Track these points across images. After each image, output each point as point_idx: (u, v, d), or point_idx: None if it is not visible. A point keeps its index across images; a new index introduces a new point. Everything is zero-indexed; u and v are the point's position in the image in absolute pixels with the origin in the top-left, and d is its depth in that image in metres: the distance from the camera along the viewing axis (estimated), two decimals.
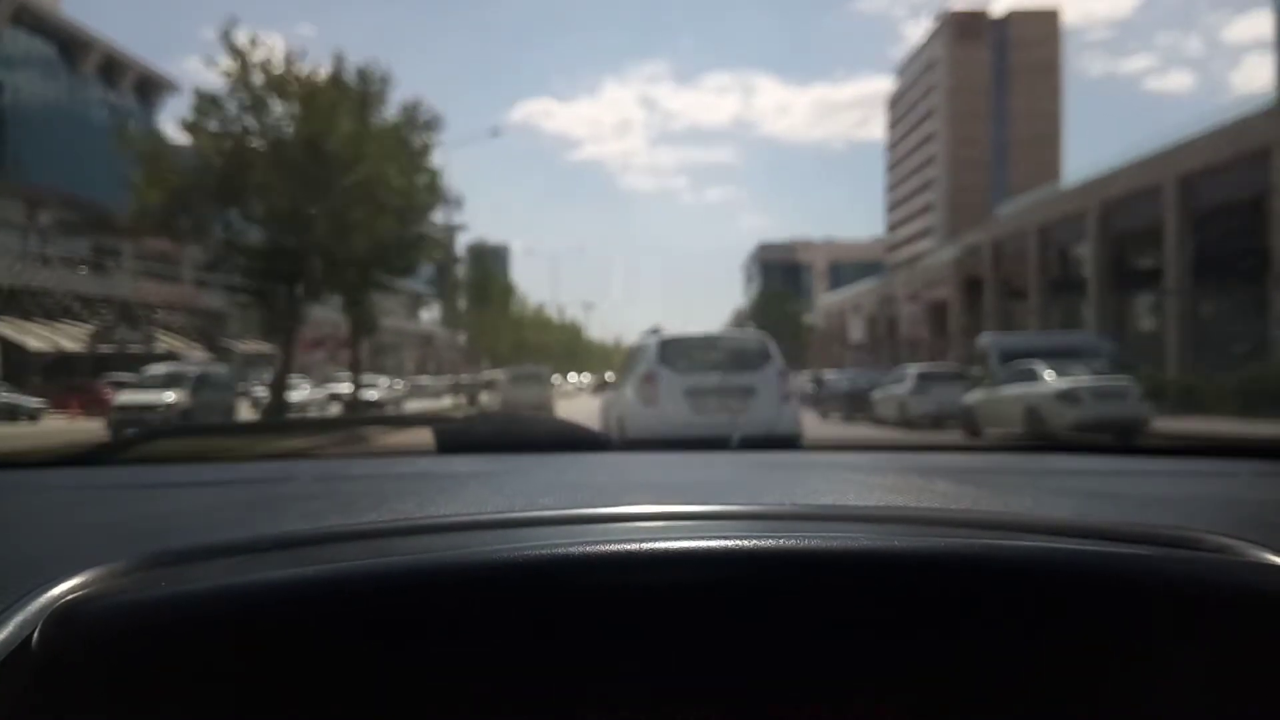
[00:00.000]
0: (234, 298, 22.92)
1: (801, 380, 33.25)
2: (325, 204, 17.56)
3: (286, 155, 17.63)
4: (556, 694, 0.51)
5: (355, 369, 25.68)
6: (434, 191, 21.40)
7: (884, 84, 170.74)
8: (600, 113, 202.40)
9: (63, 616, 0.51)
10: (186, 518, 0.94)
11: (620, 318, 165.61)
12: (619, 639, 0.52)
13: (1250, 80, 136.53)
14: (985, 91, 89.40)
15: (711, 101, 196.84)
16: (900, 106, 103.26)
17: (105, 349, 31.85)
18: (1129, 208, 29.51)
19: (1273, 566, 0.59)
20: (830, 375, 31.24)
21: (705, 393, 8.96)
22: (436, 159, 23.01)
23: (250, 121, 17.89)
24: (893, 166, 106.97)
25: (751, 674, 0.52)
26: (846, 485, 1.10)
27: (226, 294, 40.69)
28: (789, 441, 1.87)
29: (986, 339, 23.27)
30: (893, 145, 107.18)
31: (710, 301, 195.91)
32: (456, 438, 1.61)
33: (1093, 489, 1.10)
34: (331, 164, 17.44)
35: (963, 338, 41.32)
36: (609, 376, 25.20)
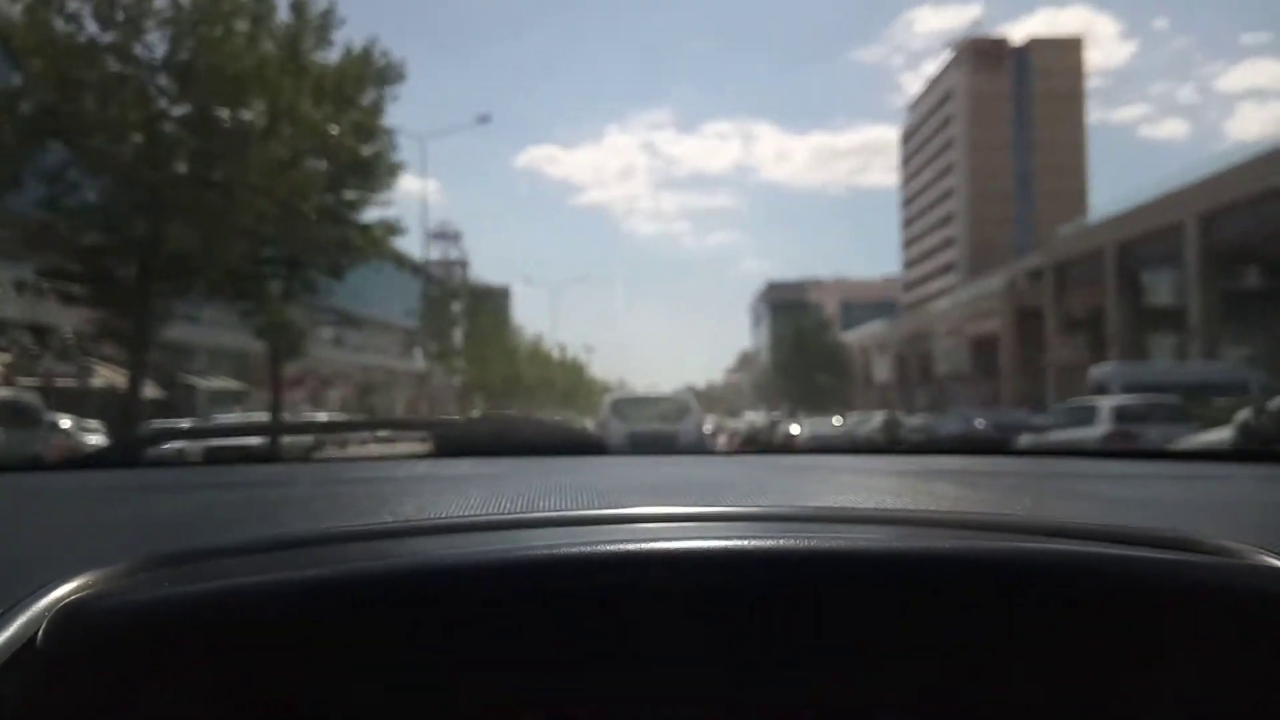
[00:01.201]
0: (57, 288, 15.64)
1: (849, 423, 27.98)
2: (200, 145, 11.61)
3: (145, 73, 11.85)
4: (557, 695, 0.51)
5: (275, 409, 18.63)
6: (381, 157, 14.89)
7: (883, 132, 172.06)
8: (604, 159, 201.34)
9: (67, 616, 0.51)
10: (188, 520, 0.95)
11: (624, 362, 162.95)
12: (620, 640, 0.52)
13: (1244, 128, 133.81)
14: (1006, 122, 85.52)
15: (713, 148, 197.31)
16: (915, 140, 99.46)
17: (26, 383, 27.02)
18: (1242, 215, 24.86)
19: (1271, 569, 0.59)
20: (912, 417, 26.35)
21: (642, 437, 11.95)
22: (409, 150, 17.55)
23: (94, 28, 12.00)
24: (907, 202, 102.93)
25: (753, 675, 0.52)
26: (847, 486, 1.11)
27: (189, 323, 36.50)
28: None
29: (1107, 370, 18.52)
30: (907, 181, 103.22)
31: (716, 343, 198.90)
32: (456, 441, 1.69)
33: (1092, 491, 1.11)
34: (212, 87, 11.60)
35: (1016, 374, 36.50)
36: None
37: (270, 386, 18.26)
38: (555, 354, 58.50)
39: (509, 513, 0.80)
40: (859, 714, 0.52)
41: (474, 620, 0.51)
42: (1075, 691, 0.52)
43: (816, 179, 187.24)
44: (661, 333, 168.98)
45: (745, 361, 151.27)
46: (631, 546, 0.55)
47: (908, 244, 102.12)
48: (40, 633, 0.51)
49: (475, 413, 48.43)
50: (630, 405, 13.84)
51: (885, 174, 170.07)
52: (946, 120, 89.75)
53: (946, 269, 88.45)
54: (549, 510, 0.80)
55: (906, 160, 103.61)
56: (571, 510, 0.79)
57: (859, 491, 1.04)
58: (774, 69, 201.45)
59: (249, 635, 0.51)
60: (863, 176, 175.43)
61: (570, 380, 63.00)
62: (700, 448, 12.28)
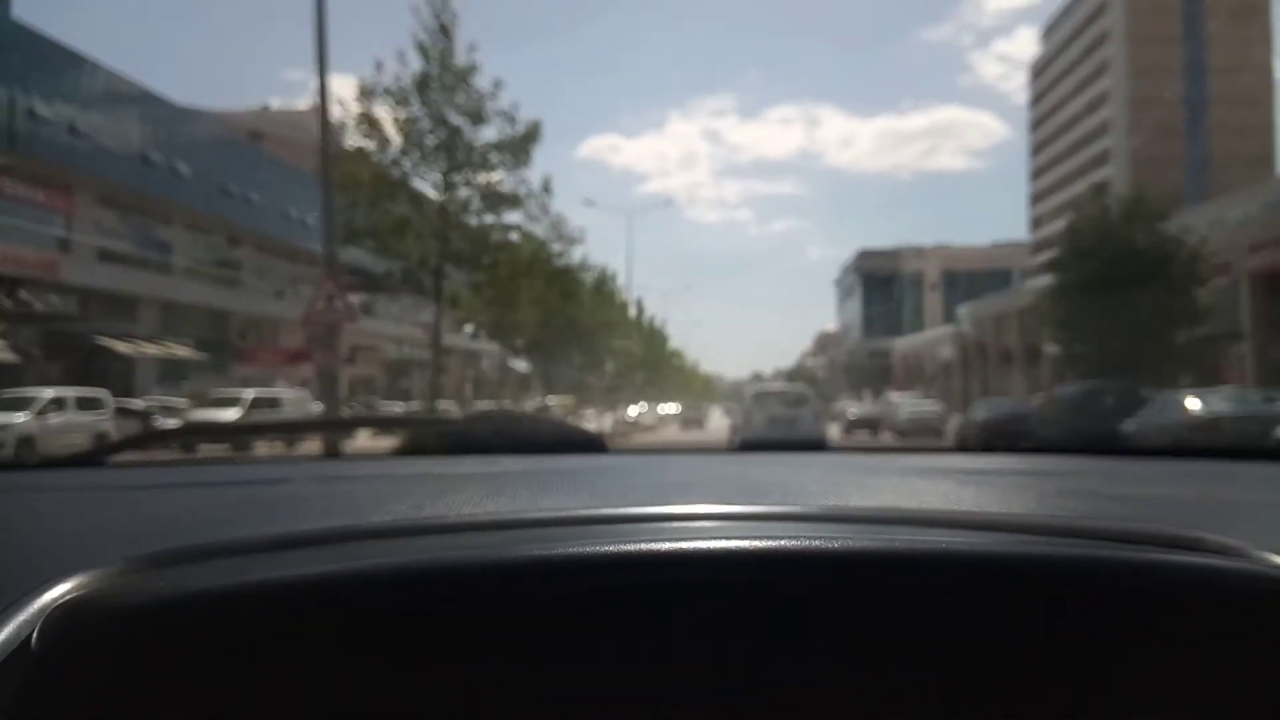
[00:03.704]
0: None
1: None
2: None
3: None
4: (557, 694, 0.51)
5: None
6: None
7: (952, 113, 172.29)
8: (666, 147, 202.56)
9: (62, 616, 0.51)
10: (186, 519, 0.95)
11: (695, 344, 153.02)
12: (619, 639, 0.52)
13: None
14: (1175, 41, 70.60)
15: (775, 134, 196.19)
16: (1051, 71, 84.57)
17: None
18: None
19: (1275, 568, 0.59)
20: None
21: (774, 419, 17.10)
22: None
23: None
24: (1038, 149, 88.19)
25: (752, 673, 0.52)
26: (848, 485, 1.12)
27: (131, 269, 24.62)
28: (818, 445, 2.08)
29: None
30: (1037, 123, 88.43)
31: (783, 329, 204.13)
32: (456, 439, 1.66)
33: (1095, 490, 1.12)
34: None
35: None
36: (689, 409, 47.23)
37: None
38: (630, 309, 44.04)
39: (509, 512, 0.80)
40: (862, 711, 0.52)
41: (473, 619, 0.51)
42: (1080, 689, 0.52)
43: (883, 163, 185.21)
44: (727, 318, 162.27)
45: (825, 343, 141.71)
46: (632, 547, 0.55)
47: (1037, 198, 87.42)
48: (35, 633, 0.51)
49: (540, 399, 37.46)
50: (767, 397, 18.52)
51: (955, 157, 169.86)
52: (1098, 40, 74.92)
53: None
54: (550, 509, 0.80)
55: (1037, 99, 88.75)
56: (572, 510, 0.78)
57: (862, 490, 1.06)
58: (839, 50, 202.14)
59: (244, 635, 0.50)
60: (931, 160, 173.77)
61: (653, 351, 49.81)
62: (815, 430, 16.69)
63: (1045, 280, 34.96)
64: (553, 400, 47.52)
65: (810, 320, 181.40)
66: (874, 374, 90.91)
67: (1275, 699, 0.51)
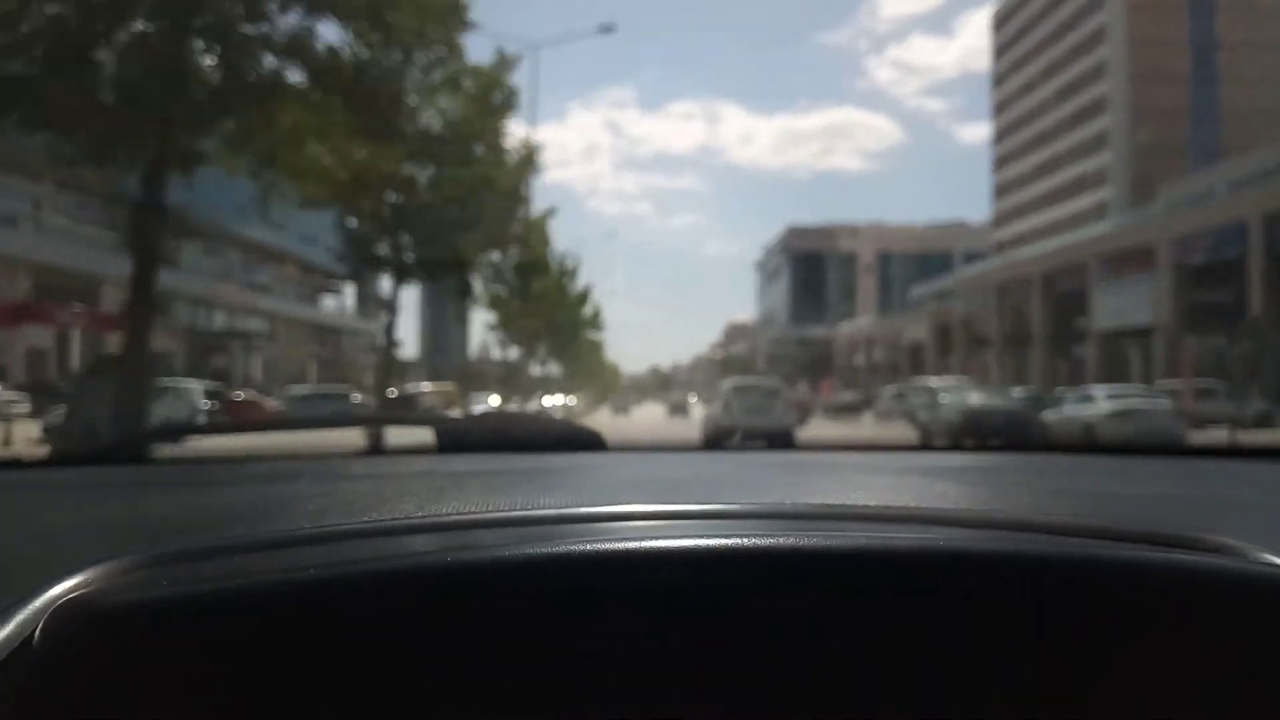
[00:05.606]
0: None
1: None
2: None
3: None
4: (556, 693, 0.51)
5: None
6: None
7: (847, 114, 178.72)
8: (567, 137, 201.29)
9: (65, 614, 0.51)
10: (187, 517, 0.96)
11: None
12: (619, 638, 0.52)
13: None
14: None
15: (677, 128, 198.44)
16: (1020, 17, 73.98)
17: None
18: None
19: (1273, 567, 0.59)
20: None
21: (751, 408, 18.12)
22: None
23: None
24: (1002, 107, 77.79)
25: (750, 673, 0.52)
26: (846, 484, 1.13)
27: None
28: (786, 438, 3.23)
29: None
30: (1002, 77, 78.01)
31: (685, 322, 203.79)
32: (456, 437, 1.67)
33: (1092, 489, 1.12)
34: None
35: None
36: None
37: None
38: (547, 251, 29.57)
39: (509, 510, 0.81)
40: (860, 712, 0.52)
41: (474, 618, 0.52)
42: (1076, 689, 0.51)
43: (781, 161, 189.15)
44: (624, 312, 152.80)
45: (737, 334, 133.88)
46: (632, 545, 0.55)
47: (1001, 163, 77.02)
48: (38, 631, 0.51)
49: (405, 385, 29.24)
50: (743, 390, 19.56)
51: (850, 158, 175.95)
52: None
53: (1083, 185, 63.44)
54: (548, 508, 0.81)
55: (1001, 51, 78.26)
56: (571, 508, 0.79)
57: (859, 489, 1.06)
58: (740, 49, 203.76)
59: (247, 634, 0.51)
60: (827, 160, 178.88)
61: (567, 309, 36.08)
62: (787, 418, 17.87)
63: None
64: (428, 386, 34.45)
65: (711, 316, 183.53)
66: (805, 364, 79.71)
67: (1274, 698, 0.51)
